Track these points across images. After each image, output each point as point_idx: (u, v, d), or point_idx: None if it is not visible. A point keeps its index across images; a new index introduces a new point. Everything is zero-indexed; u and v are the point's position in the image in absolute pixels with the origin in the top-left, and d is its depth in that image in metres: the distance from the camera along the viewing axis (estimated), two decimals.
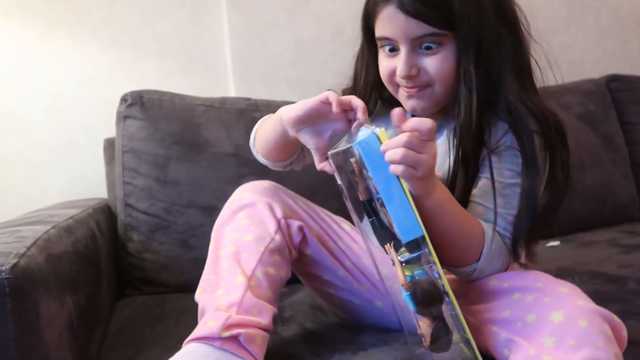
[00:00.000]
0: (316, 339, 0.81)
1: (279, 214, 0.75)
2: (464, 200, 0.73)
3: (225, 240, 0.74)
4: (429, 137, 0.59)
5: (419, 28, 0.67)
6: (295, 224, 0.76)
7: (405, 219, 0.58)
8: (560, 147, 0.70)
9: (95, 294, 0.90)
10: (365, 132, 0.61)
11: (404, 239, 0.59)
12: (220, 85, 1.45)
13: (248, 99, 1.25)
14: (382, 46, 0.73)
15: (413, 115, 0.80)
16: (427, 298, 0.60)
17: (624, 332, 0.62)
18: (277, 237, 0.74)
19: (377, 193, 0.61)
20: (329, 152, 0.63)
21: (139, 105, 1.13)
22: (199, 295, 0.70)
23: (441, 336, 0.62)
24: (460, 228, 0.67)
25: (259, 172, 1.14)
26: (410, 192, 0.60)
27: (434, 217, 0.64)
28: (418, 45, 0.69)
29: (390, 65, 0.72)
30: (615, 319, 0.62)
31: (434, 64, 0.70)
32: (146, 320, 0.96)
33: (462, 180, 0.72)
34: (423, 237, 0.59)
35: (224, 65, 1.45)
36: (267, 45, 1.44)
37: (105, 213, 1.16)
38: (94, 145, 1.34)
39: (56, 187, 1.37)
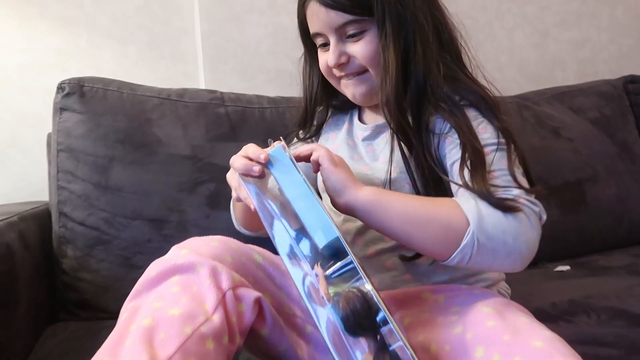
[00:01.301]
0: None
1: (225, 284, 0.58)
2: (427, 186, 0.70)
3: (142, 311, 0.56)
4: None
5: (338, 17, 0.71)
6: (250, 296, 0.59)
7: (317, 223, 0.55)
8: (494, 116, 0.70)
9: (6, 323, 0.73)
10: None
11: (320, 244, 0.54)
12: (189, 76, 1.30)
13: (213, 92, 1.08)
14: (319, 45, 0.77)
15: (359, 110, 0.84)
16: (349, 305, 0.51)
17: None
18: (216, 318, 0.55)
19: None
20: (237, 175, 0.62)
21: (78, 95, 0.96)
22: None
23: None
24: (417, 210, 0.62)
25: (219, 179, 0.98)
26: (336, 188, 0.62)
27: (376, 209, 0.62)
28: (344, 35, 0.73)
29: (325, 58, 0.75)
30: None
31: (359, 49, 0.72)
32: (73, 354, 0.80)
33: (414, 164, 0.70)
34: (339, 239, 0.54)
35: (193, 52, 1.30)
36: (242, 32, 1.30)
37: (40, 221, 0.98)
38: (40, 140, 1.17)
39: None
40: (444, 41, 0.74)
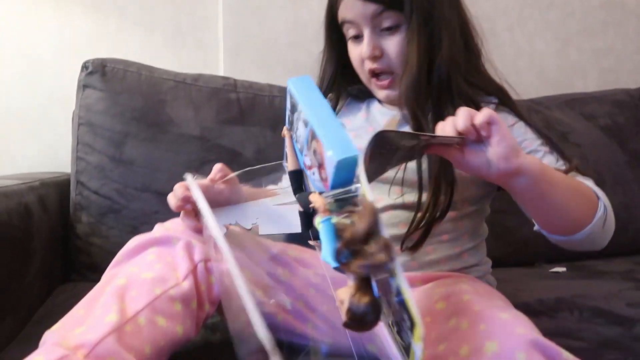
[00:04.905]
0: None
1: (198, 257, 0.62)
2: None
3: (118, 276, 0.61)
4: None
5: (375, 7, 0.72)
6: (222, 268, 0.62)
7: (337, 139, 0.51)
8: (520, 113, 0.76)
9: (15, 277, 0.80)
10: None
11: (337, 157, 0.49)
12: (209, 64, 1.35)
13: (227, 78, 1.14)
14: (349, 37, 0.77)
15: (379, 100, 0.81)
16: (342, 223, 0.45)
17: None
18: (185, 284, 0.60)
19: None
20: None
21: (100, 74, 1.03)
22: (49, 332, 0.55)
23: (364, 309, 0.41)
24: (569, 179, 0.65)
25: (225, 159, 1.03)
26: (514, 146, 0.56)
27: (544, 174, 0.59)
28: (379, 26, 0.74)
29: (357, 51, 0.76)
30: (564, 356, 0.50)
31: (392, 44, 0.73)
32: None
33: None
34: (357, 160, 0.48)
35: (215, 42, 1.36)
36: (263, 24, 1.34)
37: (60, 188, 1.06)
38: (67, 116, 1.25)
39: (26, 158, 1.28)
40: (468, 41, 0.77)
